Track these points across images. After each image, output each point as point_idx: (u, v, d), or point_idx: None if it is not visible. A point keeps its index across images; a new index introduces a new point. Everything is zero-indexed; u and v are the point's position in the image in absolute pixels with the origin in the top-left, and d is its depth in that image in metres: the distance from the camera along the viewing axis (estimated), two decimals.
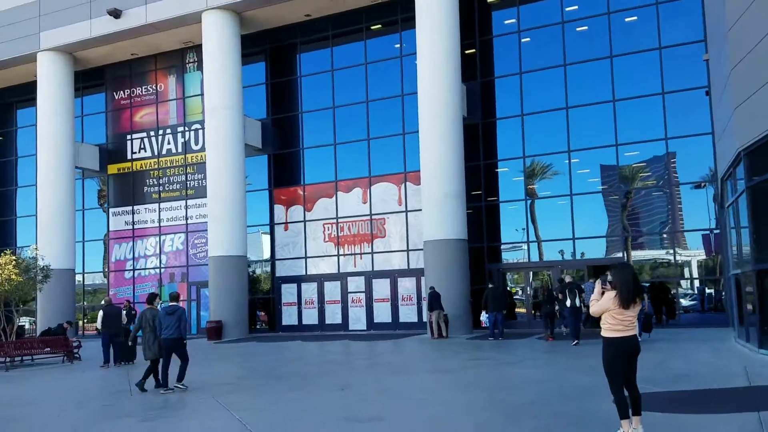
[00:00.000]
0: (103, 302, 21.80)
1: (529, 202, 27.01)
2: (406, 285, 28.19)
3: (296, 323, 30.22)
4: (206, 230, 30.13)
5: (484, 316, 24.18)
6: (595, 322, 8.93)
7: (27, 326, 34.83)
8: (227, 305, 28.11)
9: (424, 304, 25.54)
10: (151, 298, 14.76)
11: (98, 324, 20.04)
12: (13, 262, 21.60)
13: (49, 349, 21.73)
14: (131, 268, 34.40)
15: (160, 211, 33.78)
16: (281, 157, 31.74)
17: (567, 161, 26.08)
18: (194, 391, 13.24)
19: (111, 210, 35.30)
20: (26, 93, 36.49)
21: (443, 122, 24.69)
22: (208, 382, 14.48)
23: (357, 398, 11.83)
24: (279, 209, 31.21)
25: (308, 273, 30.31)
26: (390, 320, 28.42)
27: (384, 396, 11.91)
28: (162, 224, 33.68)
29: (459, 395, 11.88)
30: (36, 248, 23.66)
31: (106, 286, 35.22)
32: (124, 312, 20.71)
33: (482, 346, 20.35)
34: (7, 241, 37.04)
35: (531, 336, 22.40)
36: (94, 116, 36.39)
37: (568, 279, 20.73)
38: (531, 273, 27.62)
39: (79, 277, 35.02)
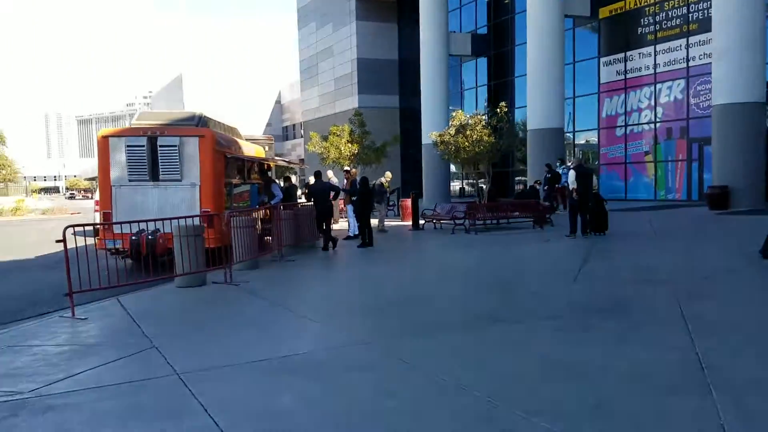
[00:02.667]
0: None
1: None
2: None
3: None
4: (710, 73, 23.93)
5: None
6: None
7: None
8: (735, 166, 21.98)
9: None
10: None
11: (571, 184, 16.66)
12: (482, 122, 19.55)
13: (517, 213, 19.52)
14: (623, 124, 30.16)
15: (655, 55, 28.43)
16: None
17: None
18: None
19: (602, 59, 31.21)
20: None
21: None
22: None
23: None
24: None
25: None
26: None
27: None
28: (657, 70, 28.35)
29: None
30: (504, 106, 21.15)
31: (596, 145, 31.81)
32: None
33: None
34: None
35: None
36: None
37: None
38: None
39: (569, 136, 32.32)
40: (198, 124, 13.97)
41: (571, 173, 15.93)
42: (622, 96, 30.10)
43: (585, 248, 13.58)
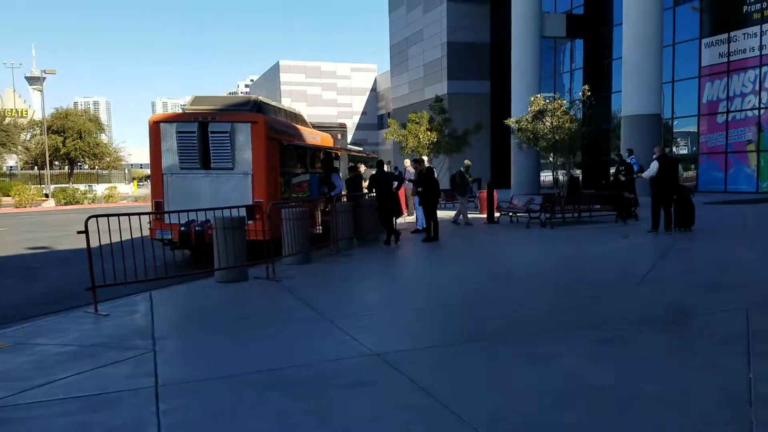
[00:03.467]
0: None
1: None
2: None
3: None
4: None
5: None
6: None
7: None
8: None
9: None
10: None
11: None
12: (563, 107, 18.32)
13: (598, 206, 18.24)
14: (724, 110, 27.95)
15: (761, 36, 26.13)
16: None
17: None
18: None
19: (703, 41, 29.02)
20: None
21: None
22: None
23: None
24: None
25: None
26: None
27: None
28: (763, 52, 26.04)
29: None
30: (587, 89, 19.70)
31: (695, 132, 29.69)
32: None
33: None
34: (601, 89, 34.29)
35: None
36: None
37: None
38: None
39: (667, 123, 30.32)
40: (253, 109, 13.54)
41: (654, 164, 14.57)
42: (725, 80, 27.90)
43: (664, 246, 12.36)
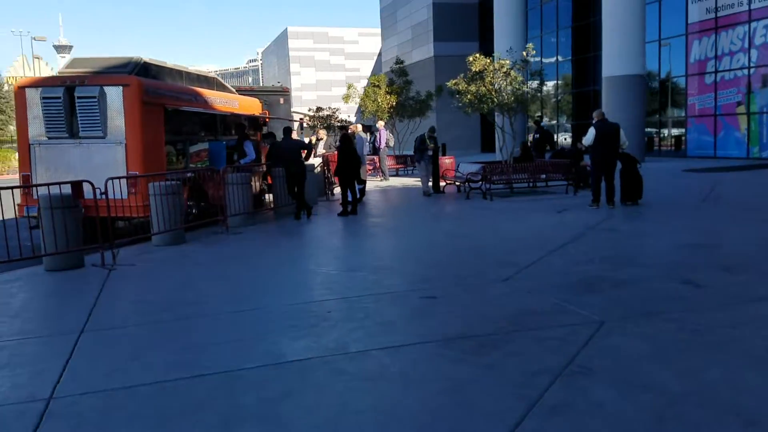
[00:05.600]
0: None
1: None
2: None
3: None
4: None
5: None
6: None
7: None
8: None
9: None
10: None
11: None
12: (505, 68, 16.57)
13: (544, 176, 16.65)
14: (712, 70, 25.95)
15: None
16: None
17: None
18: None
19: None
20: None
21: None
22: None
23: None
24: None
25: None
26: None
27: None
28: (752, 6, 23.96)
29: None
30: (531, 47, 17.80)
31: (684, 94, 27.71)
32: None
33: None
34: (588, 49, 32.29)
35: None
36: None
37: None
38: None
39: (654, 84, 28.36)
40: (132, 71, 11.98)
41: (590, 130, 12.90)
42: (713, 37, 25.84)
43: (589, 225, 10.80)
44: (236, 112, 15.01)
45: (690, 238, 9.27)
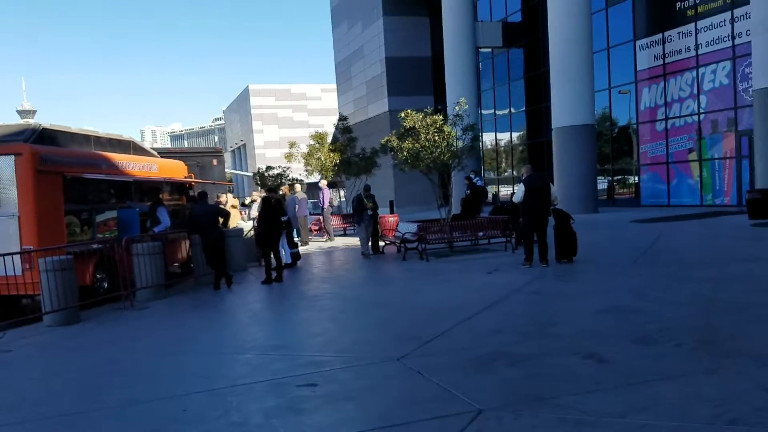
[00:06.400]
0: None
1: None
2: None
3: None
4: None
5: None
6: None
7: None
8: None
9: None
10: None
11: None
12: (438, 123, 16.02)
13: (482, 233, 15.99)
14: (663, 117, 25.77)
15: (696, 34, 24.03)
16: None
17: None
18: None
19: (638, 42, 26.92)
20: None
21: None
22: None
23: None
24: None
25: None
26: None
27: None
28: (699, 51, 23.93)
29: None
30: (464, 101, 17.32)
31: (635, 142, 27.51)
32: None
33: None
34: (540, 100, 32.12)
35: None
36: None
37: None
38: None
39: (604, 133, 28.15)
40: (29, 139, 11.21)
41: (520, 186, 12.32)
42: (662, 84, 25.75)
43: (514, 287, 10.09)
44: (154, 176, 14.25)
45: (614, 300, 8.56)
